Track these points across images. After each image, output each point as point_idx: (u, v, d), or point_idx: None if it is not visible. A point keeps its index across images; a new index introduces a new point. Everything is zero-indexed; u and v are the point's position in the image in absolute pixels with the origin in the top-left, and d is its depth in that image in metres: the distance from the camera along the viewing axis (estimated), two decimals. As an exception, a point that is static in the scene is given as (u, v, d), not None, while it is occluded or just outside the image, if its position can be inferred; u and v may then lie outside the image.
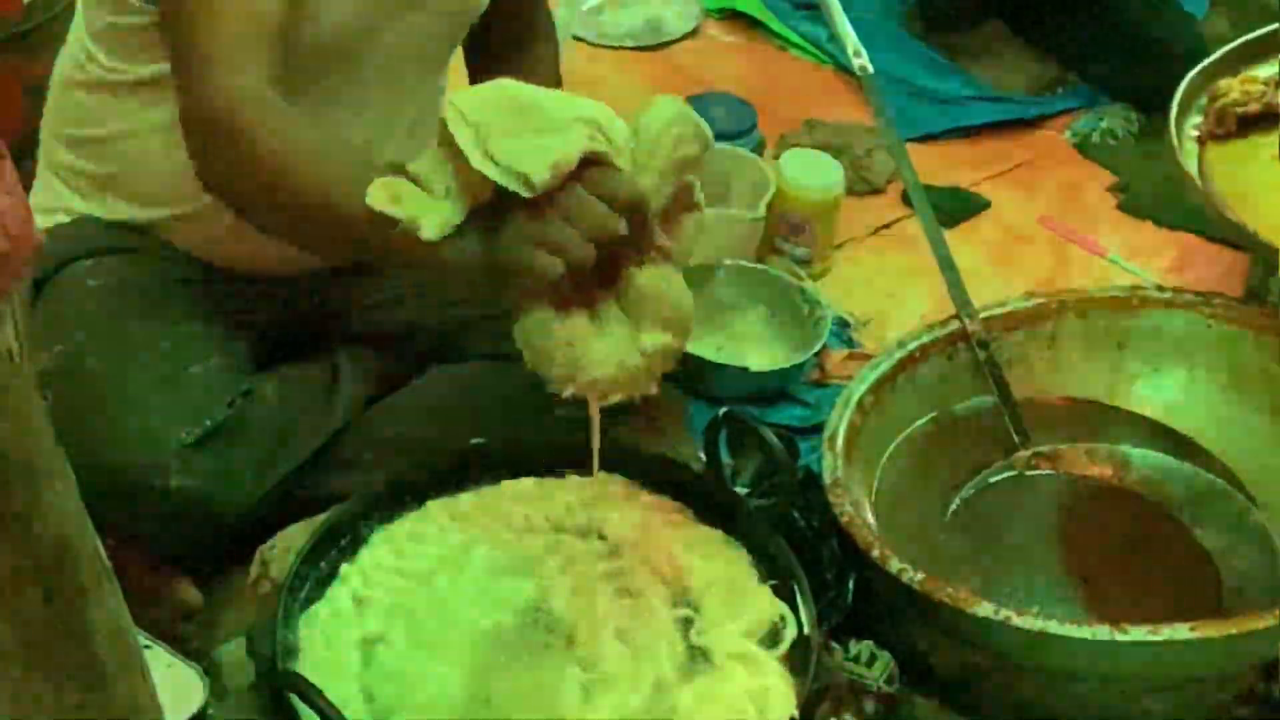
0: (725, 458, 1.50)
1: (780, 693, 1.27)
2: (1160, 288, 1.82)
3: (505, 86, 1.15)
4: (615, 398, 1.18)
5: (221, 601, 1.52)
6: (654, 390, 1.20)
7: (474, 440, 1.51)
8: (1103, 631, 1.33)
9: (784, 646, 1.32)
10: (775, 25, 2.63)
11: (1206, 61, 1.94)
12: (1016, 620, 1.35)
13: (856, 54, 1.85)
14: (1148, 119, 2.40)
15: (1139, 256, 2.17)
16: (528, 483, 1.47)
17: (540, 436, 1.55)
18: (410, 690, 1.26)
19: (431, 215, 1.12)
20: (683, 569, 1.37)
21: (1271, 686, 1.40)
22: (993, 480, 1.66)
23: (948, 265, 1.74)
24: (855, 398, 1.62)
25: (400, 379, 1.65)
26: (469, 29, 1.56)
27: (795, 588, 1.35)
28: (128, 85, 1.46)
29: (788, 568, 1.37)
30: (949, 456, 1.67)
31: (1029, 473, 1.67)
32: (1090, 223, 2.24)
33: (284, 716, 1.21)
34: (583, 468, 1.44)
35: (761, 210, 2.01)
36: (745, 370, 1.87)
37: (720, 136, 2.12)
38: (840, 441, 1.56)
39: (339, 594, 1.34)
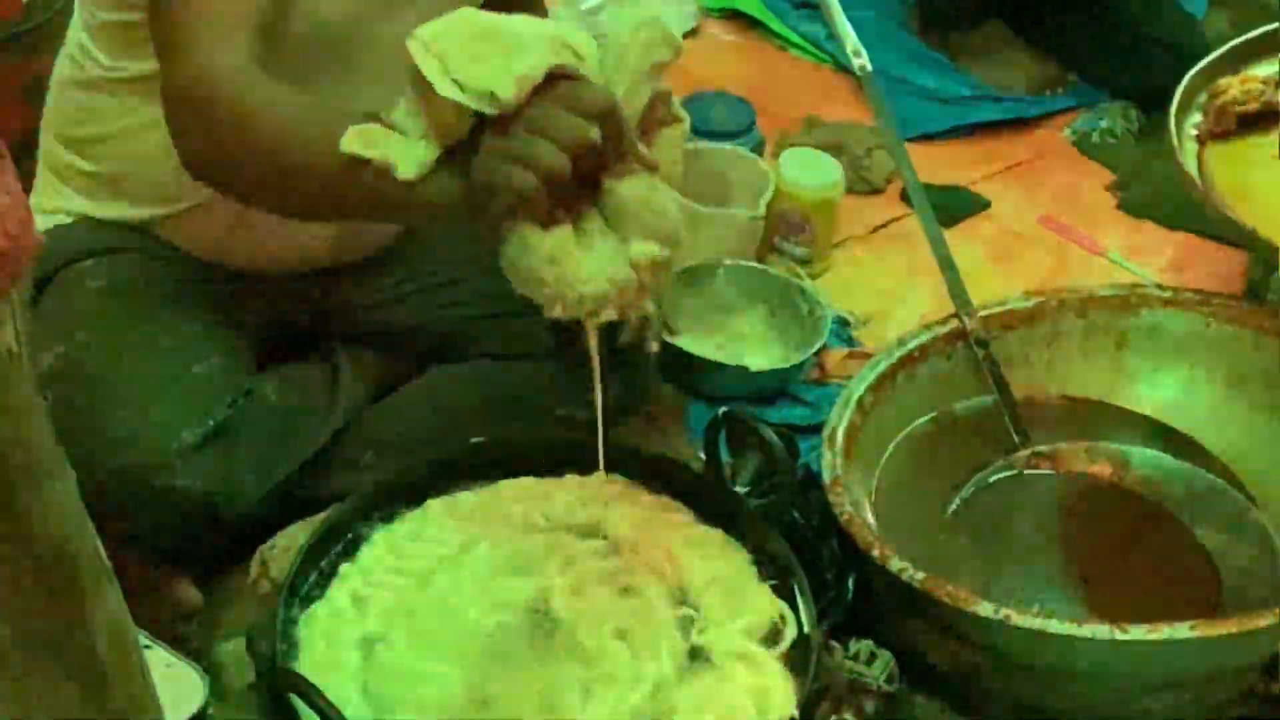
0: (725, 457, 1.50)
1: (780, 692, 1.27)
2: (1160, 287, 1.82)
3: (467, 14, 1.13)
4: (608, 314, 1.15)
5: (221, 601, 1.52)
6: (649, 308, 1.17)
7: (474, 440, 1.51)
8: (1102, 630, 1.33)
9: (784, 645, 1.32)
10: (775, 24, 2.63)
11: (1206, 60, 1.94)
12: (1016, 619, 1.35)
13: (856, 53, 1.85)
14: (1147, 118, 2.40)
15: (1138, 255, 2.17)
16: (527, 482, 1.47)
17: (540, 436, 1.55)
18: (410, 690, 1.26)
19: (407, 155, 1.11)
20: (683, 568, 1.37)
21: (1271, 685, 1.40)
22: (992, 479, 1.66)
23: (947, 264, 1.74)
24: (855, 397, 1.62)
25: (400, 379, 1.65)
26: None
27: (795, 587, 1.36)
28: (124, 82, 1.46)
29: (788, 567, 1.37)
30: (949, 455, 1.67)
31: (1028, 472, 1.67)
32: (1090, 222, 2.24)
33: (284, 716, 1.21)
34: (583, 468, 1.45)
35: (761, 209, 2.01)
36: (745, 370, 1.87)
37: (720, 136, 2.14)
38: (840, 441, 1.56)
39: (339, 594, 1.34)
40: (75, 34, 1.50)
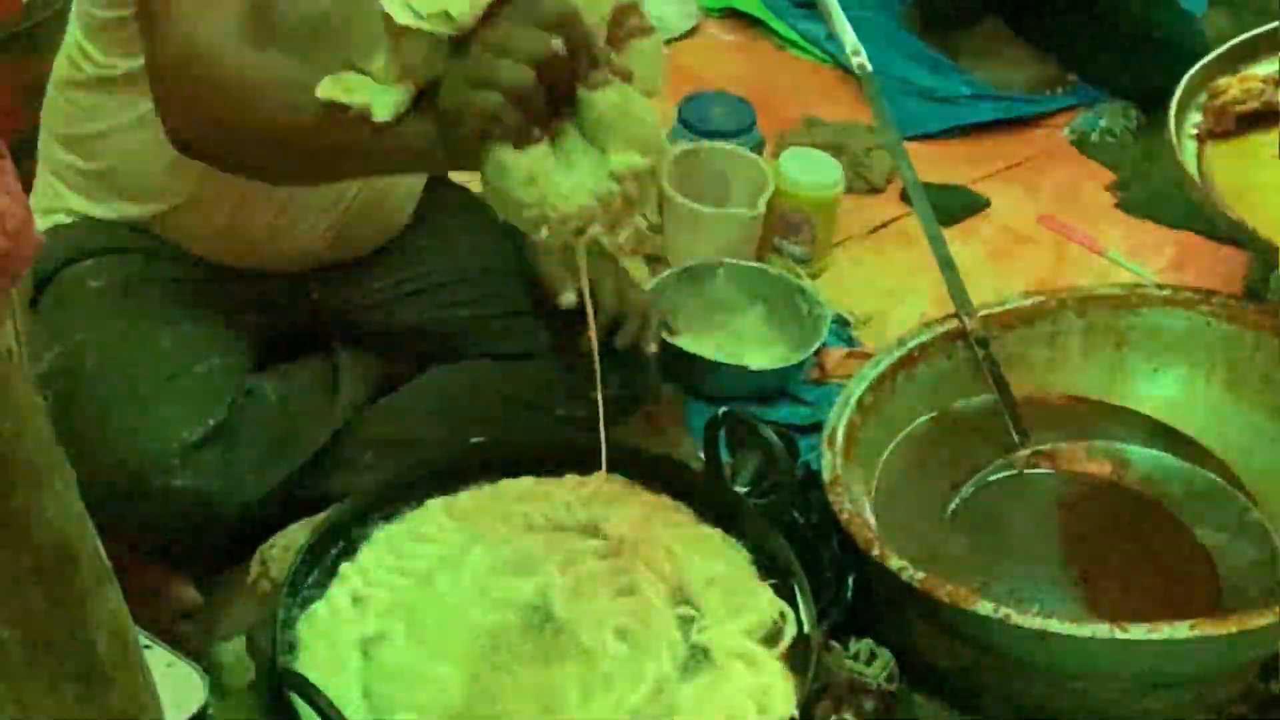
0: (725, 457, 1.50)
1: (780, 691, 1.27)
2: (1159, 286, 1.82)
3: None
4: (595, 231, 1.13)
5: (221, 601, 1.52)
6: (641, 223, 1.16)
7: (474, 440, 1.51)
8: (1102, 630, 1.34)
9: (784, 645, 1.32)
10: (774, 24, 2.64)
11: (1206, 60, 1.94)
12: (1016, 618, 1.35)
13: (855, 53, 1.85)
14: (1147, 117, 2.40)
15: (1138, 255, 2.17)
16: (527, 481, 1.47)
17: (540, 436, 1.55)
18: (410, 689, 1.26)
19: (382, 98, 1.11)
20: (683, 567, 1.37)
21: (1271, 684, 1.40)
22: (992, 478, 1.66)
23: (947, 264, 1.74)
24: (854, 396, 1.62)
25: (400, 379, 1.65)
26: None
27: (795, 586, 1.35)
28: (119, 79, 1.45)
29: (788, 566, 1.37)
30: (948, 455, 1.67)
31: (1028, 471, 1.67)
32: (1089, 221, 2.24)
33: (284, 716, 1.21)
34: (583, 468, 1.45)
35: (761, 209, 2.01)
36: (745, 369, 1.87)
37: (719, 135, 2.14)
38: (840, 440, 1.56)
39: (339, 593, 1.34)
40: (71, 34, 1.50)
